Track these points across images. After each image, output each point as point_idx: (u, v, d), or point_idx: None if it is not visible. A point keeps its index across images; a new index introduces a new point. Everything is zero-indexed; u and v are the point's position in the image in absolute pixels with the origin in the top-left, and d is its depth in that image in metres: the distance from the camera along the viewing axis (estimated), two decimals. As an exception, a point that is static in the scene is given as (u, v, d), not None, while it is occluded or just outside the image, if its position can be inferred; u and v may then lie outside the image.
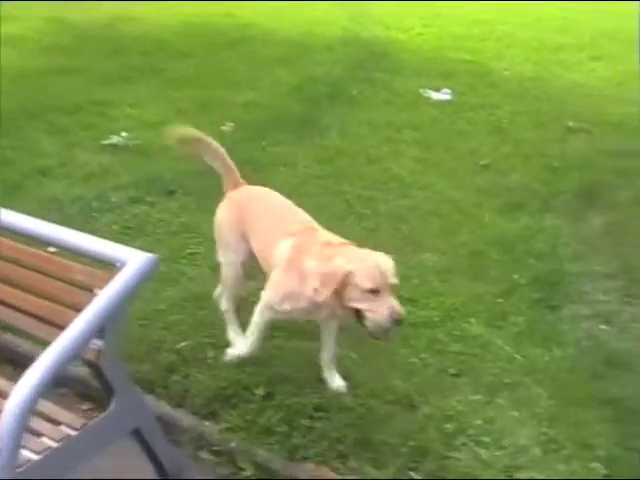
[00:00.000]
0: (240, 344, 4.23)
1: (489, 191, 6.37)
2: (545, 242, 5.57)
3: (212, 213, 5.90)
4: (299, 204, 6.02)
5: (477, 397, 4.01)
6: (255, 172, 6.54)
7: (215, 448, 3.78)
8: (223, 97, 8.38)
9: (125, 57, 9.66)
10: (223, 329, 4.42)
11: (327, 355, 4.10)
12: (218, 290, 4.52)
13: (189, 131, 4.53)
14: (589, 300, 4.97)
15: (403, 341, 4.37)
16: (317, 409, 3.86)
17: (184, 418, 3.91)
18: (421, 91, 8.90)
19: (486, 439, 3.71)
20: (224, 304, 4.42)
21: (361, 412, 3.84)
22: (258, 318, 4.06)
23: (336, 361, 4.12)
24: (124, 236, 5.49)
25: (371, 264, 3.65)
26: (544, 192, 6.38)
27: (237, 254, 4.28)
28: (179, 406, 3.98)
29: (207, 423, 3.87)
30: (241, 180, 4.43)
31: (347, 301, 3.65)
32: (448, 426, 3.79)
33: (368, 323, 3.64)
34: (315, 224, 4.09)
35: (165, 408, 3.96)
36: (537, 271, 5.17)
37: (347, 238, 5.52)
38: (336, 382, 4.06)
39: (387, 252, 5.18)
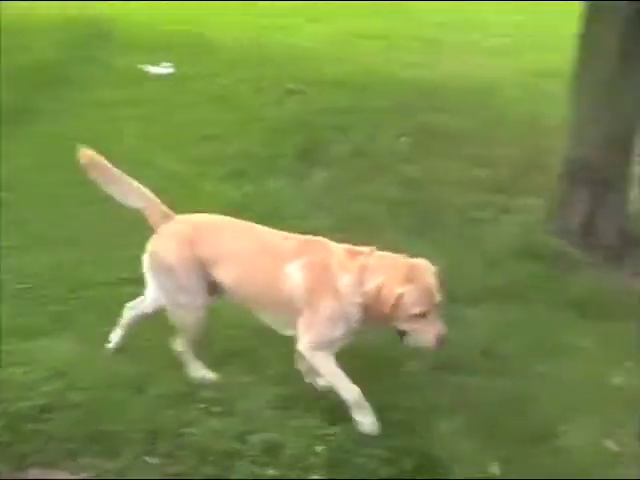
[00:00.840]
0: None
1: (211, 161, 6.38)
2: (269, 205, 5.65)
3: None
4: (16, 198, 5.75)
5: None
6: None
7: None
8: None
9: None
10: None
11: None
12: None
13: (98, 158, 3.98)
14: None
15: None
16: (43, 411, 3.66)
17: None
18: (141, 67, 8.71)
19: (218, 409, 3.70)
20: (180, 346, 3.93)
21: (89, 406, 3.69)
22: (323, 366, 3.67)
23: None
24: None
25: (421, 285, 3.46)
26: (265, 156, 6.47)
27: (199, 297, 3.80)
28: None
29: None
30: (168, 210, 3.96)
31: (393, 320, 3.50)
32: (179, 404, 3.74)
33: (409, 341, 3.56)
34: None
35: None
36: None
37: (69, 226, 5.37)
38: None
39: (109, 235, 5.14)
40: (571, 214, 5.57)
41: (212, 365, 4.00)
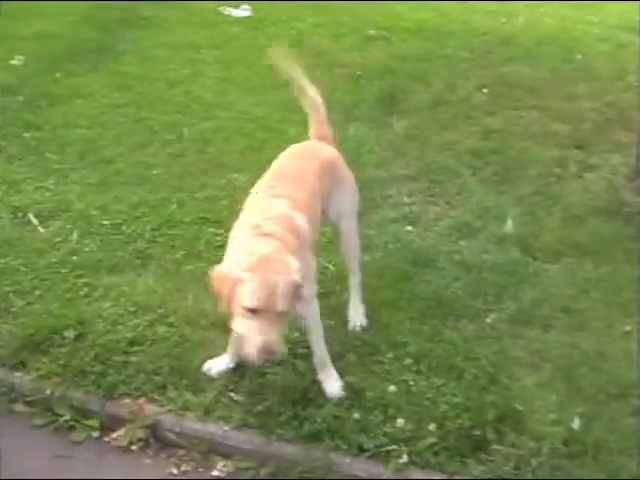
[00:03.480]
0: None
1: (292, 105, 6.33)
2: (349, 151, 5.59)
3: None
4: (100, 135, 5.84)
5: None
6: (51, 106, 6.27)
7: (29, 398, 3.62)
8: (8, 29, 7.83)
9: None
10: (26, 275, 4.23)
11: None
12: None
13: (287, 63, 4.14)
14: (394, 203, 5.12)
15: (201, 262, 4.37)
16: (131, 344, 3.79)
17: (-8, 372, 3.72)
18: (220, 9, 8.70)
19: (302, 351, 3.76)
20: None
21: (176, 341, 3.80)
22: None
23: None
24: None
25: (261, 276, 3.02)
26: (347, 102, 6.42)
27: None
28: (-15, 361, 3.78)
29: (18, 374, 3.70)
30: (323, 132, 4.05)
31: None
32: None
33: (234, 342, 3.55)
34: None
35: (-31, 366, 3.75)
36: (342, 181, 5.23)
37: (153, 166, 5.44)
38: None
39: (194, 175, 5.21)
40: (655, 173, 5.44)
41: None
